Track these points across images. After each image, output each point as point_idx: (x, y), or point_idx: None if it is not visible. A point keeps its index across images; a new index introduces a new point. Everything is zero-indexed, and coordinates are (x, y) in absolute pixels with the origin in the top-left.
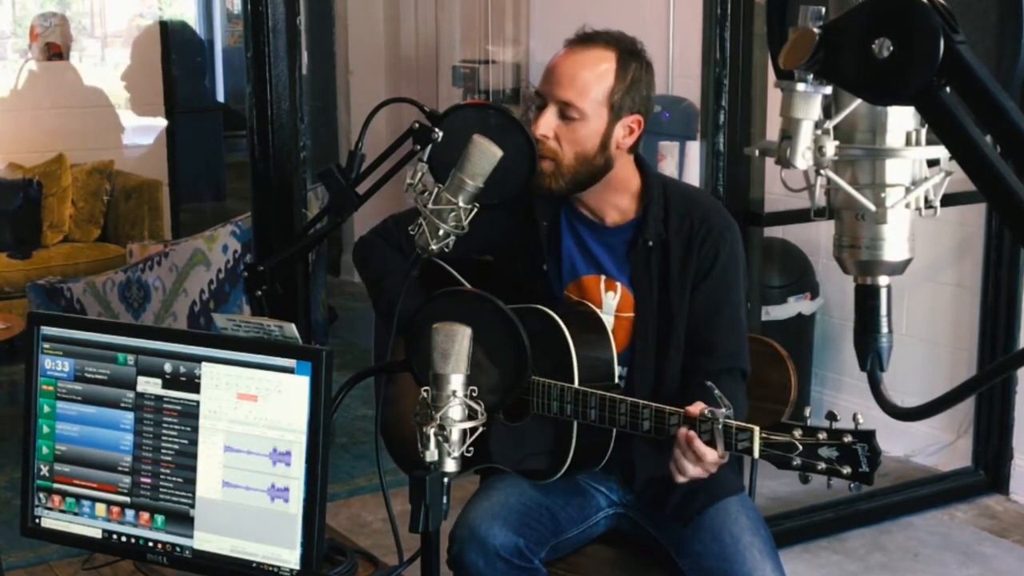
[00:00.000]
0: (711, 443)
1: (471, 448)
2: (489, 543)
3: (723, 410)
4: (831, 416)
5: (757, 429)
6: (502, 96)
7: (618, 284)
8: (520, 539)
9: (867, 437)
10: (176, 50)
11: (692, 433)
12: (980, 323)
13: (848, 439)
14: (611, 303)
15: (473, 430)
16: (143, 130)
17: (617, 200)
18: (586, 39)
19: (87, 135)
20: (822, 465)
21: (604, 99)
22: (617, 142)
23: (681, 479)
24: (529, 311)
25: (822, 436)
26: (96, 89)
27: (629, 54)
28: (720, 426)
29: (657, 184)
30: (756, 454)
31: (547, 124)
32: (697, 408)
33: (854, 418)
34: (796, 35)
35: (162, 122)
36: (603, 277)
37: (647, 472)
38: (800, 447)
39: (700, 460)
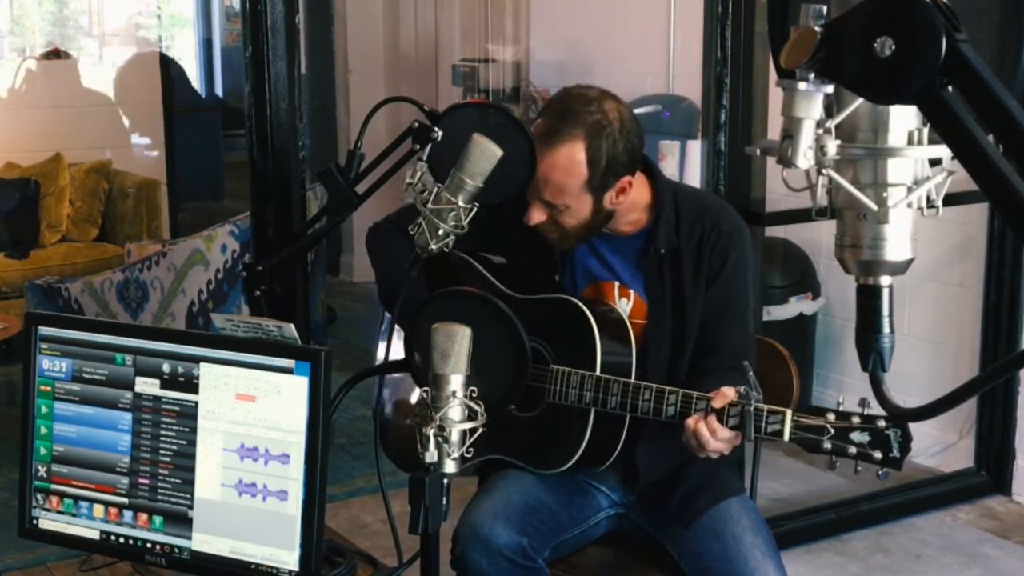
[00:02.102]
0: (739, 427)
1: (470, 450)
2: (493, 542)
3: (756, 393)
4: (863, 403)
5: (789, 412)
6: (502, 95)
7: (631, 291)
8: (524, 538)
9: (900, 422)
10: None
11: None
12: (983, 323)
13: (882, 424)
14: (624, 309)
15: (473, 431)
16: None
17: (628, 216)
18: (551, 134)
19: (85, 134)
20: (853, 449)
21: (583, 187)
22: (610, 203)
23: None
24: (560, 301)
25: (855, 420)
26: (94, 89)
27: (596, 133)
28: (752, 408)
29: (668, 192)
30: (786, 437)
31: (537, 216)
32: (730, 392)
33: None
34: (798, 34)
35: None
36: (617, 283)
37: (651, 475)
38: (832, 431)
39: (714, 438)
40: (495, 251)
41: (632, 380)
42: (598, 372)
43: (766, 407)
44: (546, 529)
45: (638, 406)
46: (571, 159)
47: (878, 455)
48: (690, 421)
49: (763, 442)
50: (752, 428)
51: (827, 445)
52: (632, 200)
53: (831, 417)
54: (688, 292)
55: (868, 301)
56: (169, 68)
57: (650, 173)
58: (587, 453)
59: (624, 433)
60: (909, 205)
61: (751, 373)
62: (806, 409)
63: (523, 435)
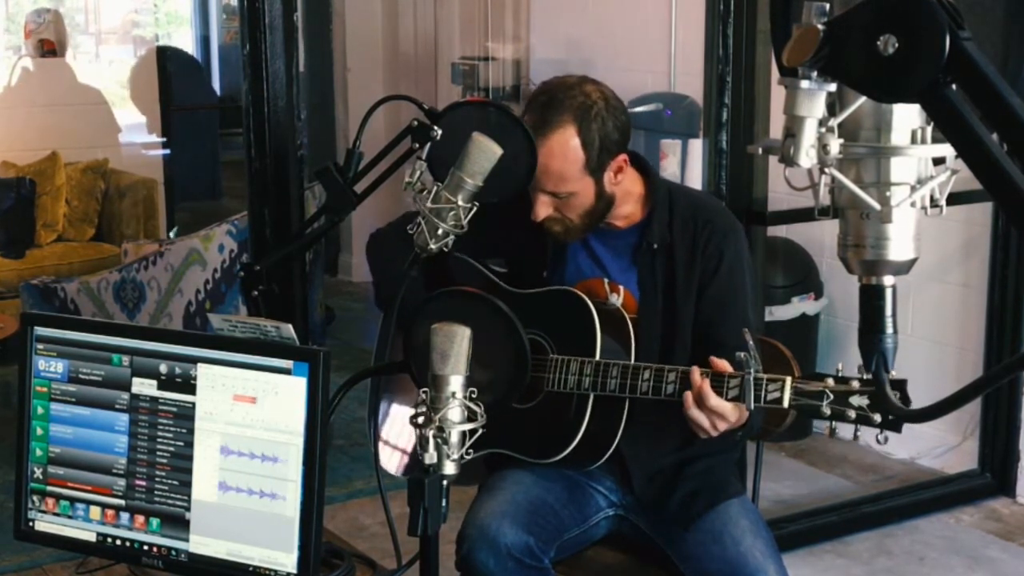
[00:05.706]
0: (738, 398)
1: (470, 451)
2: (500, 542)
3: (755, 363)
4: (863, 368)
5: (788, 379)
6: (502, 93)
7: (620, 287)
8: (531, 537)
9: (900, 386)
10: None
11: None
12: (987, 323)
13: None
14: (615, 304)
15: (472, 432)
16: (140, 128)
17: (622, 210)
18: (543, 124)
19: (81, 133)
20: (852, 413)
21: (582, 171)
22: (610, 185)
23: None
24: (561, 292)
25: (855, 384)
26: (90, 87)
27: (584, 115)
28: (751, 378)
29: (662, 188)
30: (786, 403)
31: (544, 209)
32: (724, 363)
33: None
34: (800, 31)
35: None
36: (606, 280)
37: (641, 468)
38: (831, 396)
39: (711, 412)
40: (487, 252)
41: (632, 363)
42: (597, 358)
43: (765, 376)
44: (550, 528)
45: (638, 386)
46: (566, 144)
47: (877, 418)
48: (687, 393)
49: (763, 412)
50: (752, 397)
51: (826, 410)
52: (626, 189)
53: (830, 382)
54: (680, 288)
55: (871, 301)
56: (167, 64)
57: (644, 169)
58: (584, 443)
59: (622, 428)
60: (912, 204)
61: (751, 342)
62: (805, 376)
63: (521, 426)
